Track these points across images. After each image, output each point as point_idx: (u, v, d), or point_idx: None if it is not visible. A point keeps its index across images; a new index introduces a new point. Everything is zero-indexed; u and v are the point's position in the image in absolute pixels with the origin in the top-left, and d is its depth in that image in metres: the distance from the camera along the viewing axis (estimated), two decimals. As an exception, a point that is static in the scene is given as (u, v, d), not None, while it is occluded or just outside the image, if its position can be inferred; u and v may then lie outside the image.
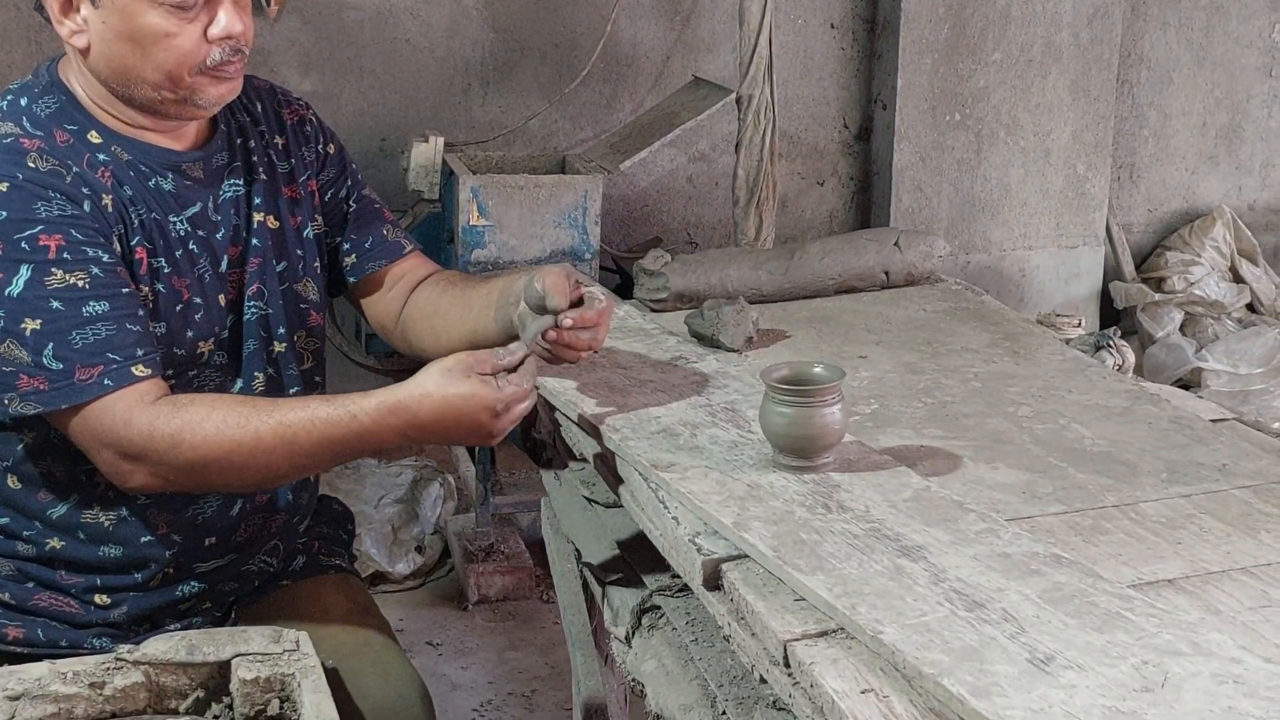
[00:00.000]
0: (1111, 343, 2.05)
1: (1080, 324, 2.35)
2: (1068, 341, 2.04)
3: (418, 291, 1.89)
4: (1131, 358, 2.07)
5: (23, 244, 1.51)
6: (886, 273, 2.34)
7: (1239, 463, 1.69)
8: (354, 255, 1.89)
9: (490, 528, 3.42)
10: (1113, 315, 4.61)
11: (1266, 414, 4.11)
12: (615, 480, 1.68)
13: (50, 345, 1.50)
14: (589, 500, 1.99)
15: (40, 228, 1.52)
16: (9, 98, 1.63)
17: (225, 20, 1.59)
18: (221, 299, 1.70)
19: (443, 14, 4.04)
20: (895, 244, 2.35)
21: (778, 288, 2.31)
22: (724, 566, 1.42)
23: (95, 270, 1.54)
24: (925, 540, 1.41)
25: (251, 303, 1.74)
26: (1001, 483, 1.62)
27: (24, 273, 1.50)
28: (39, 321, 1.50)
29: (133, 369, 1.53)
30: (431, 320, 1.85)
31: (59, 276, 1.51)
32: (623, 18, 4.11)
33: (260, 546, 1.79)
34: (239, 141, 1.76)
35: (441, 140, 3.61)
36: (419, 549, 3.40)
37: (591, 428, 1.74)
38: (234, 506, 1.73)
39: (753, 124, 3.64)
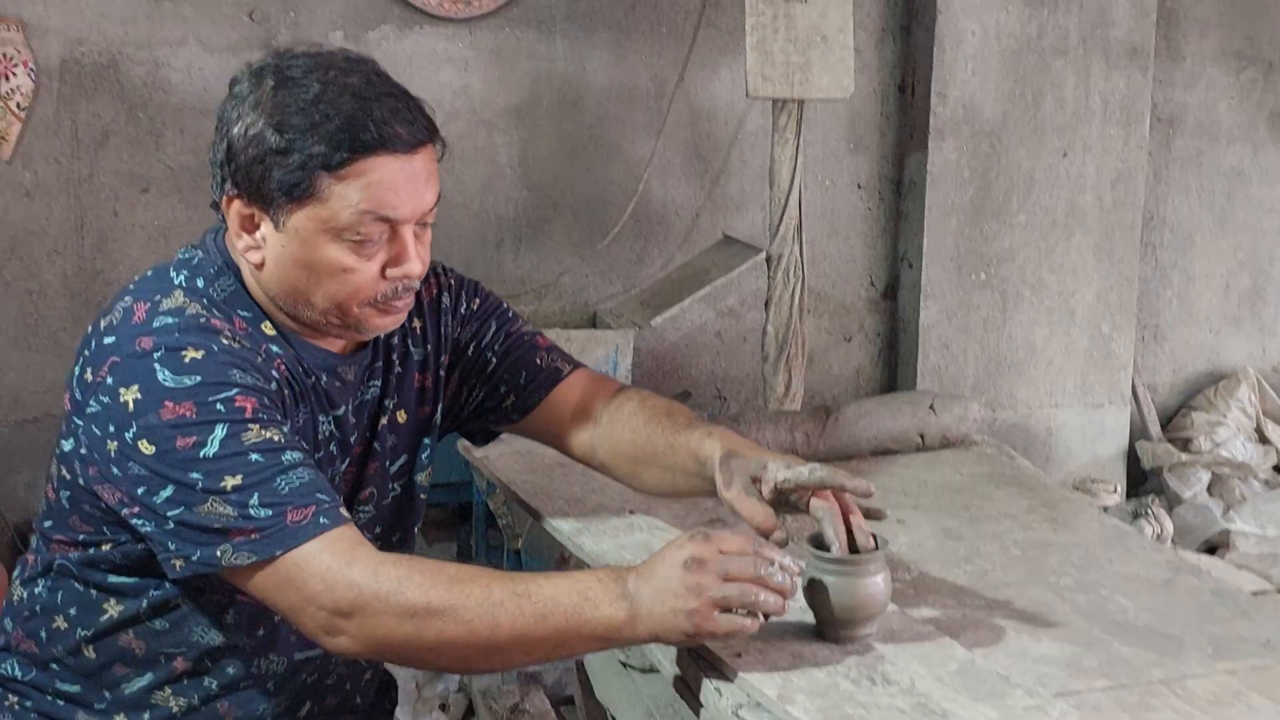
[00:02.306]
0: (1150, 511, 2.04)
1: (1115, 489, 2.33)
2: (1105, 509, 2.03)
3: (611, 425, 1.80)
4: (1170, 526, 2.05)
5: (218, 405, 1.47)
6: (922, 435, 2.35)
7: (1284, 638, 1.67)
8: (512, 396, 1.82)
9: (515, 685, 3.38)
10: (1139, 475, 4.59)
11: (1298, 578, 4.06)
12: (696, 704, 1.56)
13: (255, 495, 1.45)
14: (624, 665, 1.97)
15: (236, 390, 1.49)
16: (184, 274, 1.60)
17: (407, 264, 1.58)
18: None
19: (478, 173, 4.13)
20: (930, 407, 2.36)
21: (813, 450, 2.31)
22: (769, 741, 1.40)
23: (286, 429, 1.52)
24: (973, 717, 1.40)
25: (362, 507, 1.71)
26: (1046, 655, 1.60)
27: (219, 432, 1.46)
28: (240, 477, 1.45)
29: (341, 510, 1.49)
30: (635, 466, 1.78)
31: (255, 431, 1.48)
32: (654, 177, 4.19)
33: None
34: (382, 338, 1.72)
35: (475, 294, 3.66)
36: (443, 707, 3.35)
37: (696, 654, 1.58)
38: (303, 707, 1.70)
39: (782, 282, 3.69)
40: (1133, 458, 4.59)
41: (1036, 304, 4.41)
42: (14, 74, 3.69)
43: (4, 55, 3.67)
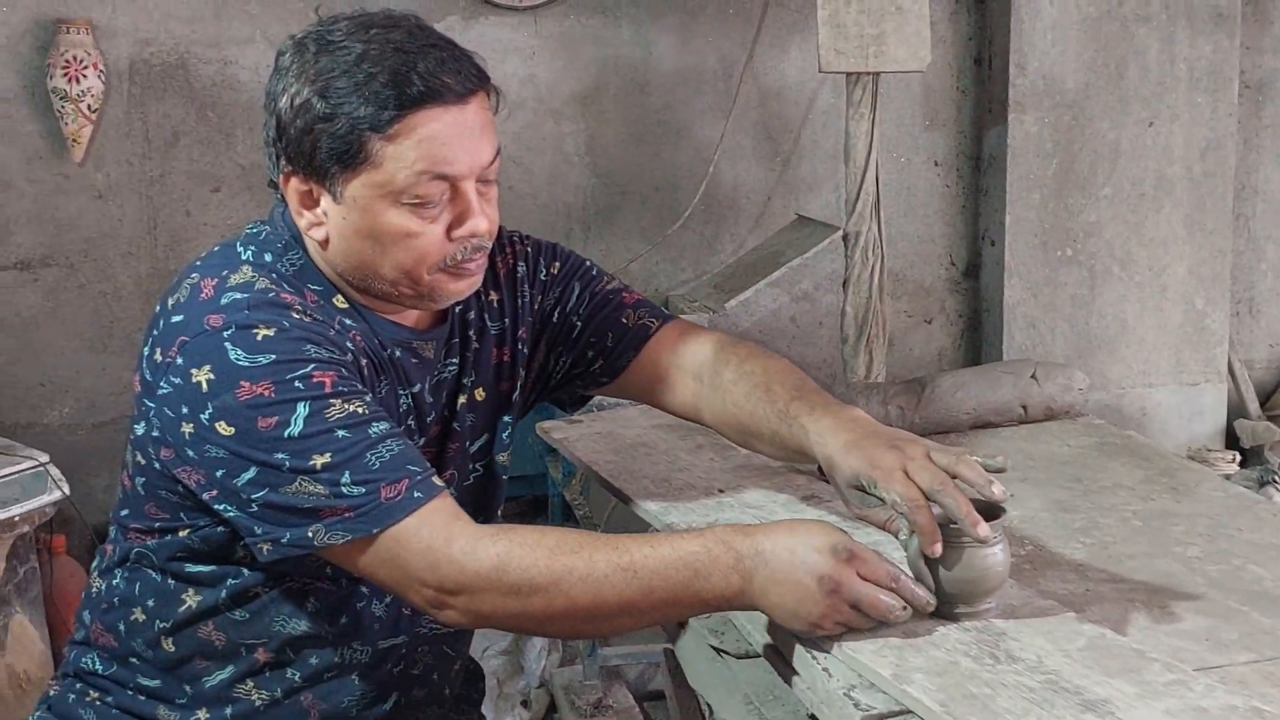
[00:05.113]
0: (1276, 478, 1.91)
1: (1234, 459, 2.20)
2: (1227, 477, 1.90)
3: (712, 391, 1.72)
4: (1300, 493, 1.92)
5: (296, 383, 1.42)
6: (1024, 406, 2.22)
7: None
8: (600, 360, 1.76)
9: (598, 680, 3.30)
10: (1239, 454, 4.42)
11: None
12: (790, 676, 1.48)
13: (346, 473, 1.40)
14: (717, 650, 1.87)
15: (313, 366, 1.43)
16: (252, 249, 1.55)
17: (471, 220, 1.51)
18: None
19: (545, 162, 4.06)
20: (1032, 376, 2.24)
21: (908, 424, 2.19)
22: (886, 723, 1.30)
23: (369, 398, 1.47)
24: (1109, 693, 1.28)
25: None
26: (1180, 629, 1.48)
27: (302, 410, 1.41)
28: (329, 455, 1.40)
29: (434, 480, 1.44)
30: (745, 438, 1.73)
31: (338, 405, 1.42)
32: (723, 160, 4.10)
33: None
34: (458, 310, 1.67)
35: (545, 283, 3.59)
36: (525, 703, 3.29)
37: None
38: (389, 699, 1.64)
39: (860, 260, 3.58)
40: (1231, 437, 4.42)
41: (1126, 279, 4.26)
42: (84, 76, 3.65)
43: (74, 58, 3.64)
